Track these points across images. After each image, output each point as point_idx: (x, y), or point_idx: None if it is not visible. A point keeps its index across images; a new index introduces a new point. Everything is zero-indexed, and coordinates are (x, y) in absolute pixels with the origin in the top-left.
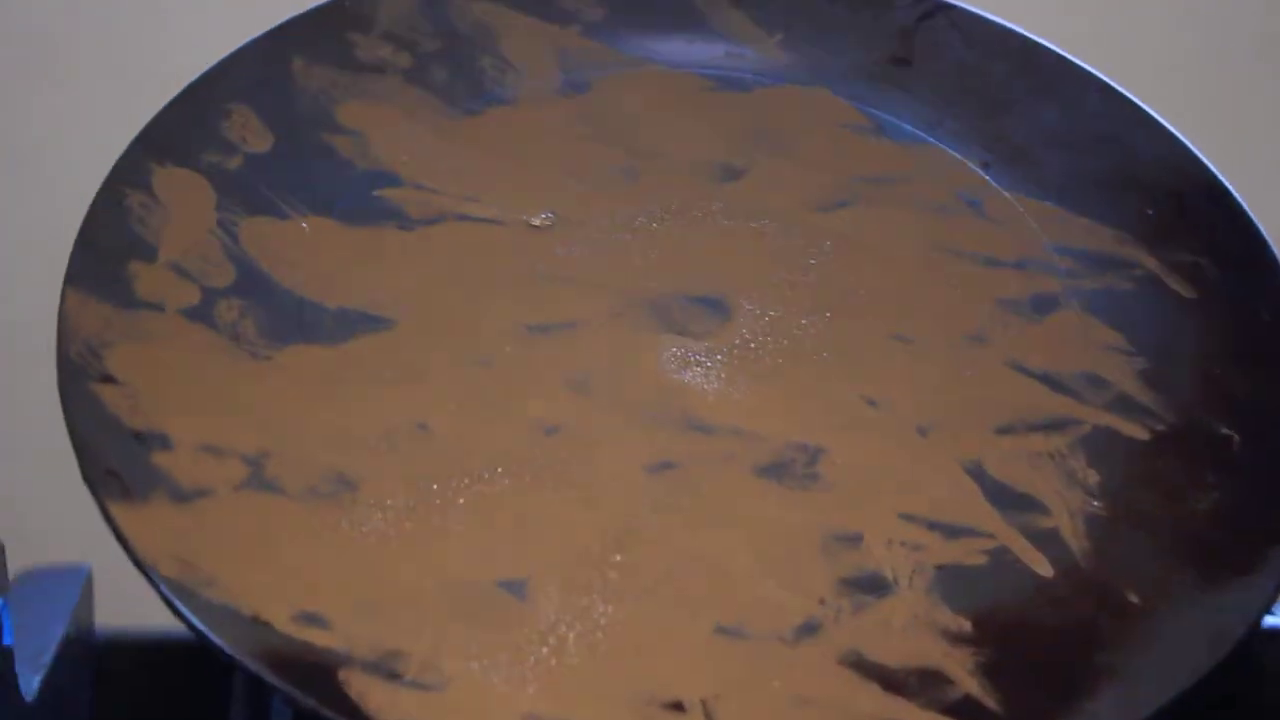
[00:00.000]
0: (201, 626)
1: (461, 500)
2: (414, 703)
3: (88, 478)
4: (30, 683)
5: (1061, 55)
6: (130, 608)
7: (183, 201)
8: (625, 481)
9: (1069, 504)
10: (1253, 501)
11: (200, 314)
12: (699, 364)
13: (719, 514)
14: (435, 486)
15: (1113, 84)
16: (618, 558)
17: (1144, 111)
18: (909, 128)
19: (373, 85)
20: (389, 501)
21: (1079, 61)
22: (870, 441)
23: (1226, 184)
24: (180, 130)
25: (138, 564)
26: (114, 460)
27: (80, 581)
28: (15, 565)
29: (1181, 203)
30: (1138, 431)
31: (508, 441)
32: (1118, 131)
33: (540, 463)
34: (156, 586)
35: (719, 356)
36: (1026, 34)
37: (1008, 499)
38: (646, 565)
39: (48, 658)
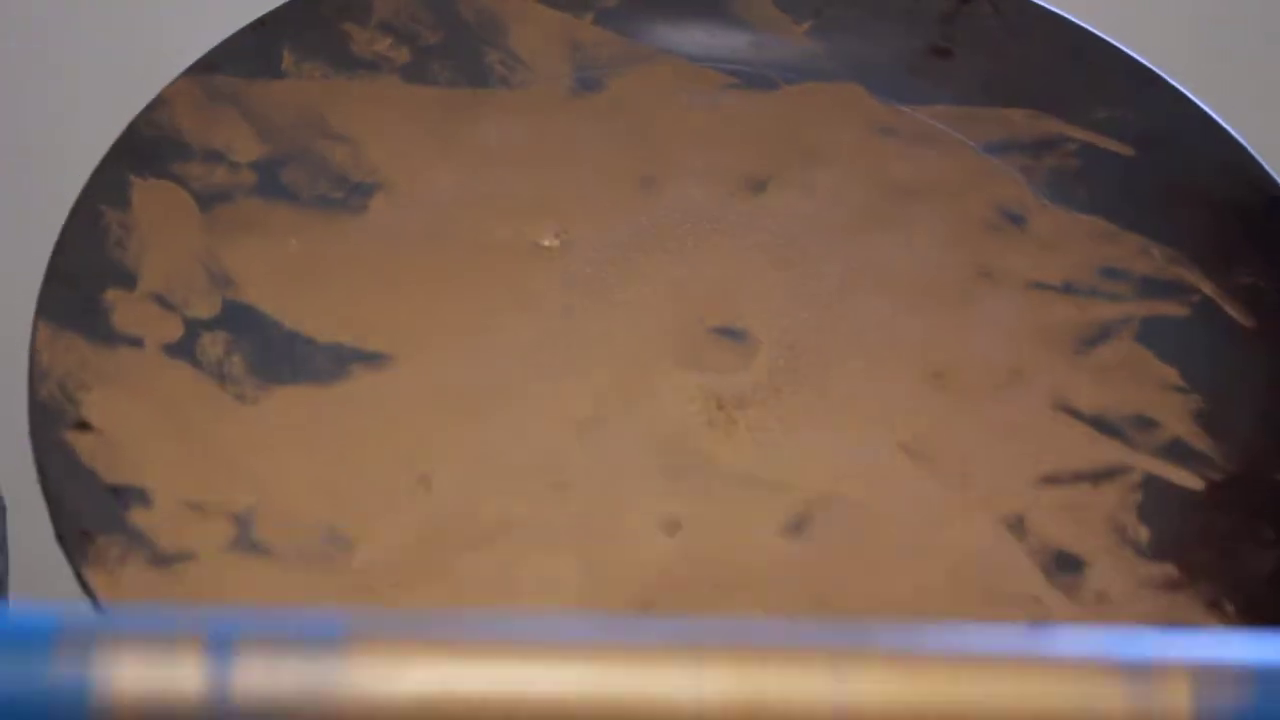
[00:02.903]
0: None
1: (464, 564)
2: None
3: (60, 536)
4: None
5: (1113, 45)
6: None
7: (165, 220)
8: (641, 541)
9: (1121, 565)
10: None
11: (185, 351)
12: (718, 405)
13: (736, 576)
14: (436, 549)
15: (1169, 79)
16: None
17: (1204, 111)
18: (949, 132)
19: (369, 85)
20: (384, 567)
21: (1132, 52)
22: (906, 494)
23: None
24: (162, 137)
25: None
26: (88, 518)
27: None
28: None
29: (1242, 218)
30: (1190, 480)
31: (514, 498)
32: (1174, 134)
33: (549, 522)
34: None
35: (739, 397)
36: (1074, 20)
37: (1050, 558)
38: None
39: None
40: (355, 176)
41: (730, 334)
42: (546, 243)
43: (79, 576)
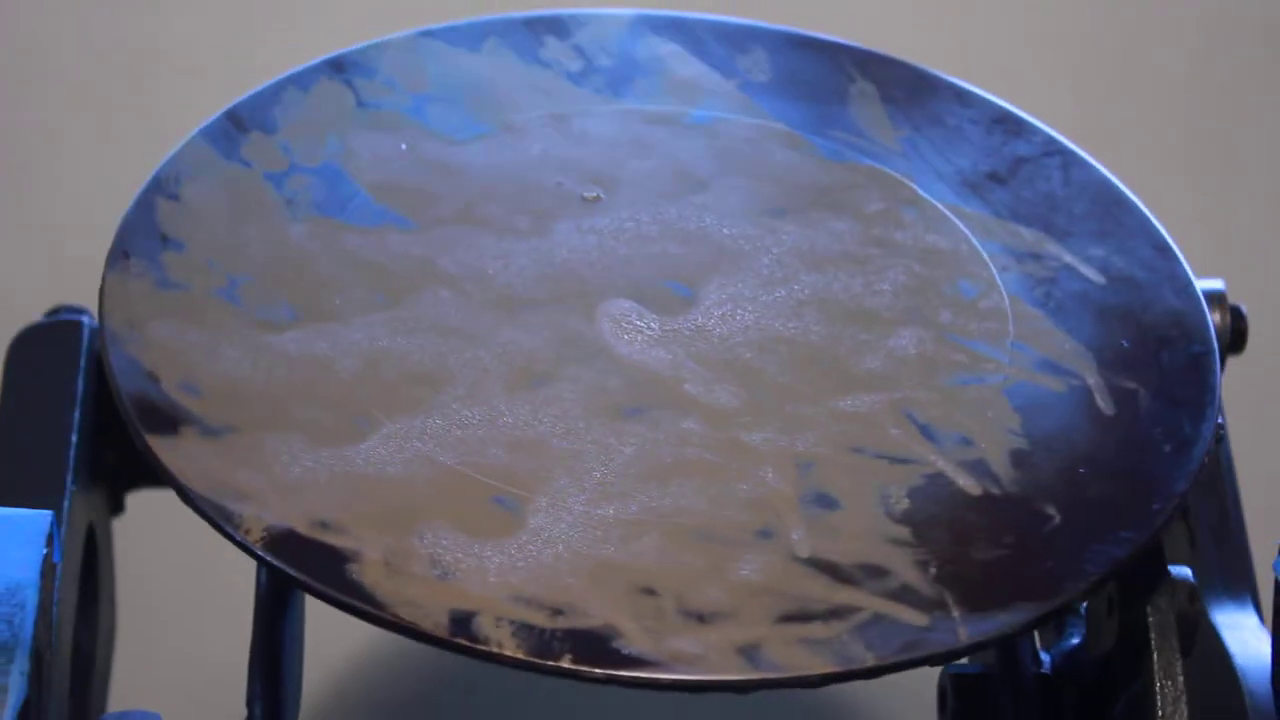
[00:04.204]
0: (109, 359)
1: (360, 344)
2: (215, 459)
3: (110, 253)
4: None
5: (1143, 213)
6: None
7: (325, 104)
8: (512, 389)
9: (867, 518)
10: (1029, 572)
11: (277, 180)
12: (633, 324)
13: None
14: (354, 343)
15: (1171, 243)
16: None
17: (1186, 276)
18: (958, 225)
19: (537, 74)
20: (309, 342)
21: (1155, 220)
22: (727, 417)
23: (1216, 348)
24: (362, 62)
25: (101, 314)
26: (132, 247)
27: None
28: None
29: (1161, 349)
30: (971, 487)
31: (447, 333)
32: (1150, 282)
33: (464, 363)
34: (101, 327)
35: (654, 326)
36: (1124, 189)
37: (812, 493)
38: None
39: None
40: (479, 121)
41: (681, 290)
42: (588, 195)
43: (102, 278)
